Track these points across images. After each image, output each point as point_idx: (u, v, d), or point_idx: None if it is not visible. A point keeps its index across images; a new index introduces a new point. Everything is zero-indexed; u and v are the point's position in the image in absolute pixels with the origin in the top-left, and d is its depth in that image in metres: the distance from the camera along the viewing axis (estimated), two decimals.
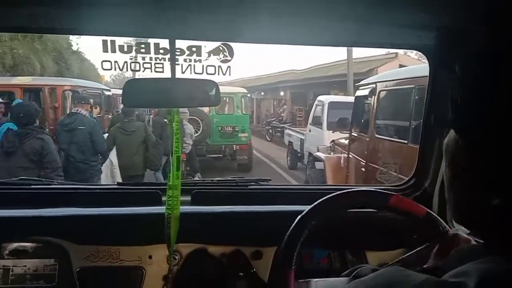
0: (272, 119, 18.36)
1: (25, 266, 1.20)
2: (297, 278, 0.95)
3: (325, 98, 9.18)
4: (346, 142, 5.96)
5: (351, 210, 1.15)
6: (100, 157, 5.08)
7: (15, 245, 1.20)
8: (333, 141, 6.96)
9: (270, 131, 17.53)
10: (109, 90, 10.28)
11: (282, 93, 21.82)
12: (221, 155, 9.59)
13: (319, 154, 7.04)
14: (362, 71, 12.64)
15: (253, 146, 10.30)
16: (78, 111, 4.87)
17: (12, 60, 10.98)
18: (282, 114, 19.30)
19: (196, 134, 8.22)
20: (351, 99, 9.03)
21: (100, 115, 8.12)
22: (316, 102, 9.43)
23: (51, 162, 3.76)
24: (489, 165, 0.46)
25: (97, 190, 1.45)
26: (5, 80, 7.38)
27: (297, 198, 1.37)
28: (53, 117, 7.72)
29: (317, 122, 8.82)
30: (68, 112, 7.15)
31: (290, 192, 1.52)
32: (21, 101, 4.89)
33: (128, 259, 1.24)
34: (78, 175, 4.61)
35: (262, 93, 24.25)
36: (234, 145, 9.48)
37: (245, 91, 10.72)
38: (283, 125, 16.04)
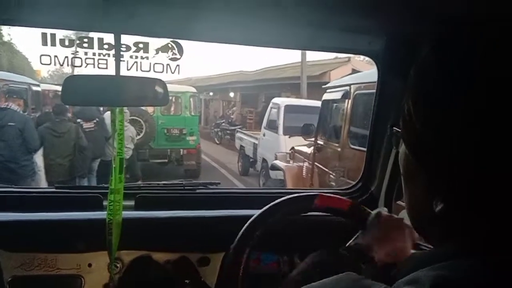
0: (222, 121, 18.38)
1: None
2: (246, 282, 1.00)
3: (281, 101, 9.13)
4: (309, 150, 5.69)
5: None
6: (34, 155, 4.88)
7: None
8: (292, 148, 6.77)
9: (219, 133, 17.52)
10: (38, 85, 9.52)
11: (231, 94, 21.89)
12: (166, 160, 9.24)
13: (278, 162, 6.83)
14: (315, 74, 13.12)
15: (201, 149, 10.10)
16: (8, 106, 4.68)
17: None
18: (232, 116, 19.37)
19: (138, 137, 7.93)
20: (308, 102, 9.14)
21: (26, 113, 7.53)
22: (271, 105, 9.29)
23: None
24: (433, 173, 0.49)
25: (33, 194, 1.40)
26: None
27: (246, 202, 1.41)
28: None
29: (272, 126, 8.66)
30: None
31: (239, 196, 1.56)
32: None
33: (65, 267, 1.21)
34: (8, 176, 4.41)
35: (211, 94, 24.18)
36: (181, 149, 9.18)
37: (194, 90, 10.48)
38: (233, 128, 16.08)
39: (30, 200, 1.36)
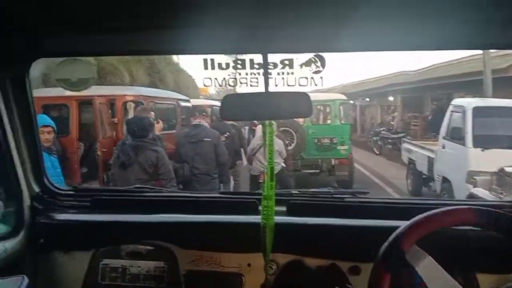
0: (381, 129, 17.83)
1: (139, 267, 1.57)
2: None
3: (467, 102, 7.59)
4: None
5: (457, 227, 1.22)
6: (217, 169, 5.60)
7: (131, 247, 1.58)
8: (501, 170, 5.56)
9: (379, 142, 17.01)
10: (188, 101, 10.05)
11: (391, 98, 21.12)
12: (317, 171, 9.64)
13: (479, 191, 5.55)
14: (500, 67, 11.57)
15: (358, 160, 10.02)
16: (200, 123, 5.45)
17: (97, 71, 11.83)
18: (392, 122, 18.62)
19: (289, 148, 8.35)
20: (505, 102, 7.52)
21: (174, 131, 7.69)
22: (451, 108, 7.93)
23: (165, 173, 4.30)
24: None
25: (202, 198, 1.78)
26: (59, 91, 6.41)
27: (398, 213, 1.46)
28: (110, 135, 7.18)
29: (455, 136, 7.29)
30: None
31: (391, 206, 1.64)
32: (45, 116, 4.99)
33: (228, 265, 1.52)
34: (201, 187, 5.16)
35: (367, 99, 23.78)
36: (333, 159, 9.45)
37: (344, 97, 10.60)
38: (395, 136, 15.48)
39: (199, 204, 1.73)
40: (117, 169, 4.37)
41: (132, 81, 12.87)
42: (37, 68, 1.63)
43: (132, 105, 7.39)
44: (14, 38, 1.40)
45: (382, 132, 17.24)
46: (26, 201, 1.67)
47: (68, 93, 6.22)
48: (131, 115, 7.04)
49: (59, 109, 7.11)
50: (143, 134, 4.25)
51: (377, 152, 16.84)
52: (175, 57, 18.26)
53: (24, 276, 1.20)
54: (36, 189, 1.71)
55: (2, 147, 1.56)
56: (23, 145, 1.63)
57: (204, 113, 5.87)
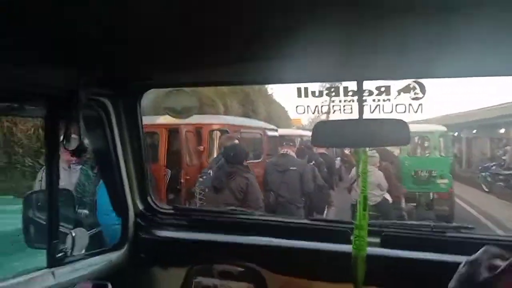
0: (491, 164, 16.41)
1: (230, 287, 1.63)
2: None
3: None
4: None
5: None
6: (303, 199, 5.68)
7: (223, 266, 1.66)
8: None
9: (489, 178, 15.63)
10: (275, 130, 10.00)
11: (502, 130, 19.43)
12: (414, 204, 9.21)
13: None
14: None
15: (463, 197, 9.38)
16: (287, 152, 5.62)
17: None
18: (504, 157, 17.01)
19: None
20: None
21: (259, 160, 7.75)
22: None
23: (254, 200, 4.39)
24: None
25: (292, 224, 1.81)
26: (150, 119, 6.79)
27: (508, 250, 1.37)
28: (197, 163, 7.26)
29: None
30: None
31: (500, 244, 1.50)
32: None
33: None
34: (287, 216, 5.17)
35: (474, 131, 22.16)
36: (431, 193, 9.11)
37: (444, 129, 10.23)
38: (507, 172, 14.18)
39: (289, 229, 1.76)
40: (208, 192, 4.55)
41: (226, 112, 13.39)
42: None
43: (218, 133, 7.46)
44: (129, 72, 1.61)
45: (492, 167, 15.83)
46: (131, 217, 1.85)
47: (159, 121, 6.95)
48: (216, 144, 7.12)
49: (150, 137, 7.30)
50: (238, 160, 4.41)
51: (486, 190, 15.43)
52: (268, 89, 18.82)
53: (108, 283, 1.30)
54: (141, 206, 1.88)
55: (114, 168, 1.77)
56: (132, 166, 1.82)
57: (291, 143, 5.91)
